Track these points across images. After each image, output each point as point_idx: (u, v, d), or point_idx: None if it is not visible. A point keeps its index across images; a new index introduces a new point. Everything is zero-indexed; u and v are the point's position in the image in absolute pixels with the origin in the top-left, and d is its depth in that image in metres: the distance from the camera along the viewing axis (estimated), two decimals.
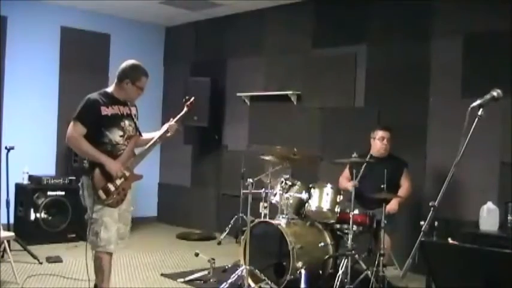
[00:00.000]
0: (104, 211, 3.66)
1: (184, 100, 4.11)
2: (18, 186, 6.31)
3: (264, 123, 7.05)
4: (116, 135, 3.70)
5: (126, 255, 5.64)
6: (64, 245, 6.16)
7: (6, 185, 5.29)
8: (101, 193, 3.64)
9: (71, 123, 3.71)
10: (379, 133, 5.15)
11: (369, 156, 5.06)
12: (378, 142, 5.14)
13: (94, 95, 3.73)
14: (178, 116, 4.03)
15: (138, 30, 8.02)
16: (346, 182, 5.18)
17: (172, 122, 3.94)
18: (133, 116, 3.87)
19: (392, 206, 4.83)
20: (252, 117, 7.24)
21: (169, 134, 3.94)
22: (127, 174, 3.75)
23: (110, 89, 3.80)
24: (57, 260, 5.45)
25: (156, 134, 3.93)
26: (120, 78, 3.76)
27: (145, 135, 3.94)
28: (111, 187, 3.68)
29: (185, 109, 4.10)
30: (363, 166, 4.81)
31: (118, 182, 3.70)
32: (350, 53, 6.22)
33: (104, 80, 7.53)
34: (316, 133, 6.48)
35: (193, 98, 4.13)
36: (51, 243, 6.10)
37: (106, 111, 3.68)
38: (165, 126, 3.94)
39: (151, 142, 3.87)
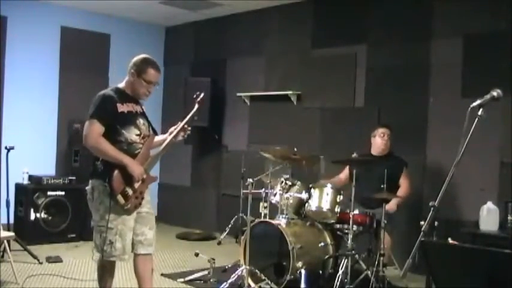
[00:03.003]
0: (119, 220, 3.45)
1: (194, 96, 3.84)
2: (18, 186, 6.31)
3: (264, 123, 7.05)
4: (132, 134, 3.48)
5: None
6: (64, 245, 6.17)
7: (6, 185, 5.30)
8: (120, 198, 3.40)
9: (87, 122, 3.42)
10: (380, 130, 5.17)
11: (368, 155, 5.09)
12: (379, 139, 5.15)
13: (108, 91, 3.52)
14: (190, 114, 3.75)
15: (138, 30, 8.03)
16: (336, 181, 5.20)
17: (181, 124, 3.67)
18: (146, 115, 3.67)
19: (391, 205, 4.82)
20: (252, 117, 7.24)
21: (180, 138, 3.72)
22: (144, 176, 3.51)
23: (121, 85, 3.60)
24: (57, 260, 5.45)
25: (167, 137, 3.70)
26: (128, 71, 3.57)
27: (157, 138, 3.73)
28: (130, 191, 3.44)
29: (196, 106, 3.79)
30: (364, 170, 4.79)
31: (136, 185, 3.47)
32: (350, 53, 6.22)
33: (104, 80, 7.55)
34: (316, 133, 6.48)
35: (203, 94, 3.87)
36: (51, 243, 6.11)
37: (122, 108, 3.46)
38: (175, 129, 3.68)
39: (165, 144, 3.65)
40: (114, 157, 3.41)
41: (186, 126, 3.70)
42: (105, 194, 3.44)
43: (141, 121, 3.57)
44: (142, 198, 3.56)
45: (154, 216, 3.78)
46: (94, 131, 3.39)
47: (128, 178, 3.44)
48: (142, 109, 3.67)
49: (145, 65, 3.55)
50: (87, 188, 3.58)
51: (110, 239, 3.46)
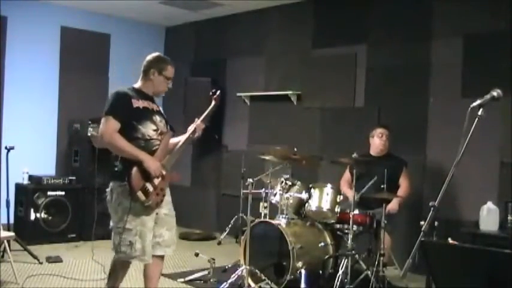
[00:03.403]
0: (138, 220, 3.43)
1: (211, 94, 3.87)
2: (18, 186, 6.31)
3: (264, 123, 7.05)
4: (149, 129, 3.48)
5: None
6: (64, 245, 6.17)
7: (6, 185, 5.30)
8: (140, 194, 3.38)
9: (103, 120, 3.42)
10: (378, 130, 5.18)
11: (367, 155, 5.08)
12: (377, 139, 5.16)
13: (122, 88, 3.54)
14: (207, 112, 3.77)
15: (138, 30, 8.03)
16: (347, 186, 5.19)
17: (198, 121, 3.70)
18: (163, 114, 3.67)
19: (393, 206, 4.83)
20: (252, 117, 7.24)
21: (196, 135, 3.71)
22: (164, 172, 3.50)
23: (137, 85, 3.63)
24: (57, 260, 5.45)
25: (183, 137, 3.71)
26: (146, 70, 3.60)
27: (174, 139, 3.71)
28: (150, 187, 3.42)
29: (213, 103, 3.83)
30: (364, 171, 4.77)
31: (156, 181, 3.45)
32: (350, 53, 6.22)
33: (104, 80, 7.56)
34: (316, 133, 6.48)
35: (219, 91, 3.89)
36: (51, 243, 6.11)
37: (137, 103, 3.47)
38: (192, 127, 3.69)
39: (182, 141, 3.65)
40: (130, 153, 3.40)
41: (201, 123, 3.71)
42: (123, 195, 3.43)
43: (157, 118, 3.58)
44: (164, 195, 3.55)
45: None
46: (109, 127, 3.39)
47: (146, 174, 3.42)
48: (159, 108, 3.68)
49: (164, 63, 3.63)
50: (107, 190, 3.59)
51: (129, 240, 3.44)
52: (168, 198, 3.65)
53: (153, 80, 3.60)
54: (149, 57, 3.67)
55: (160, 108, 3.72)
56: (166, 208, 3.63)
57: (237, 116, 7.40)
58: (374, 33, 6.05)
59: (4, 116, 6.77)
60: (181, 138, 3.70)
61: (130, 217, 3.41)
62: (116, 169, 3.47)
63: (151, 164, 3.41)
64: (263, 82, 7.12)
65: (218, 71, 7.58)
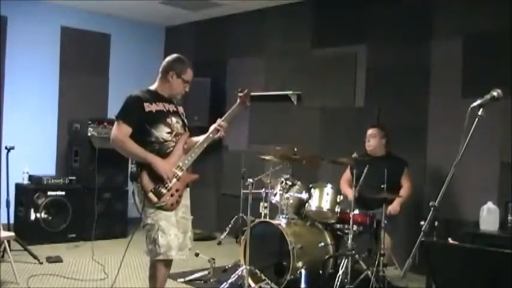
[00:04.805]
0: (159, 215, 3.43)
1: (236, 92, 3.82)
2: (18, 186, 6.31)
3: (264, 123, 7.05)
4: (162, 132, 3.46)
5: (126, 255, 5.62)
6: (64, 245, 6.17)
7: (6, 185, 5.29)
8: (152, 196, 3.39)
9: (115, 124, 3.44)
10: (368, 131, 5.20)
11: (366, 155, 5.09)
12: (368, 139, 5.17)
13: (135, 92, 3.51)
14: (230, 111, 3.74)
15: (138, 30, 8.02)
16: (347, 186, 5.19)
17: (220, 121, 3.67)
18: (181, 114, 3.64)
19: (394, 207, 4.83)
20: (252, 117, 7.24)
21: (219, 134, 3.65)
22: (179, 174, 3.51)
23: (153, 86, 3.60)
24: (57, 260, 5.45)
25: (203, 136, 3.67)
26: (165, 71, 3.57)
27: (195, 139, 3.69)
28: (163, 189, 3.43)
29: (238, 101, 3.78)
30: (365, 169, 4.76)
31: (169, 182, 3.47)
32: (350, 53, 6.22)
33: (104, 80, 7.55)
34: (316, 133, 6.48)
35: (247, 90, 3.80)
36: (51, 243, 6.10)
37: (150, 107, 3.45)
38: (213, 126, 3.65)
39: (203, 139, 3.61)
40: (139, 156, 3.42)
41: (224, 123, 3.66)
42: (141, 194, 3.45)
43: (173, 119, 3.55)
44: (180, 197, 3.55)
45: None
46: (119, 131, 3.41)
47: (159, 176, 3.42)
48: (177, 108, 3.64)
49: (183, 65, 3.64)
50: (131, 194, 3.62)
51: (153, 236, 3.43)
52: (184, 201, 3.66)
53: (171, 82, 3.58)
54: (169, 58, 3.64)
55: (180, 109, 3.67)
56: (182, 211, 3.65)
57: (237, 116, 7.37)
58: (374, 33, 6.05)
59: (4, 116, 6.77)
60: (201, 138, 3.65)
61: (149, 212, 3.42)
62: (133, 171, 3.50)
63: (161, 166, 3.41)
64: (263, 82, 7.12)
65: (218, 71, 7.57)
